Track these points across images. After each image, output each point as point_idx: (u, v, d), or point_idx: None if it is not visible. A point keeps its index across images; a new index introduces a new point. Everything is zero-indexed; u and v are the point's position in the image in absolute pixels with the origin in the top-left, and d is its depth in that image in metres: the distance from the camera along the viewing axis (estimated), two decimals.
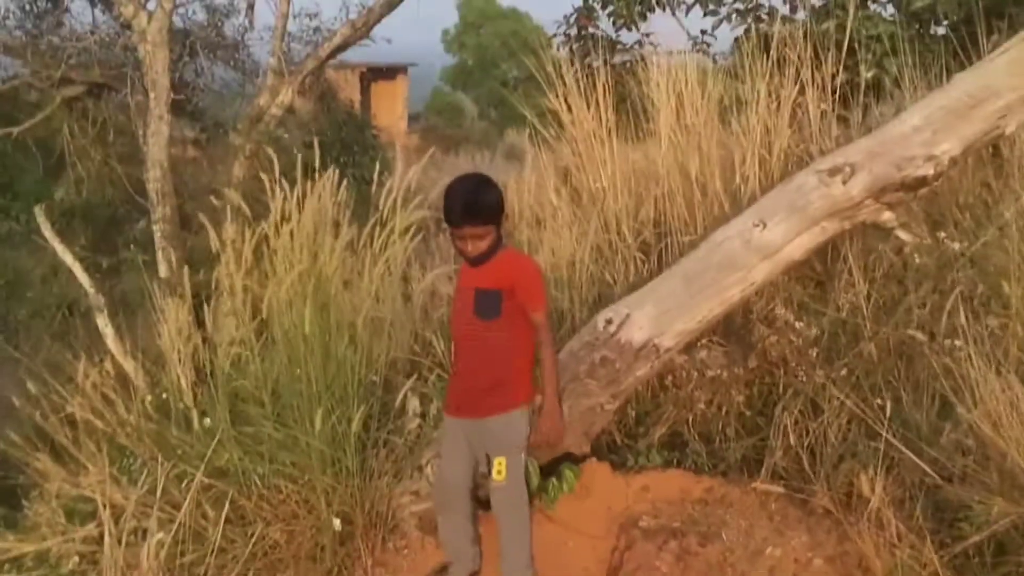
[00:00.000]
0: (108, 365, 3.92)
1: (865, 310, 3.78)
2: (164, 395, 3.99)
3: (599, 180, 4.95)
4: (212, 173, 7.72)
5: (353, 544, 3.40)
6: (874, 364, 3.60)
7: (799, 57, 4.70)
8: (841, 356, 3.70)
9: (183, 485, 3.37)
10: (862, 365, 3.60)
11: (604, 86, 4.94)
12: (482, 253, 2.95)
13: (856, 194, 3.40)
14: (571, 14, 7.67)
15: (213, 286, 4.01)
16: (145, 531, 3.21)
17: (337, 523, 3.36)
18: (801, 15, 6.58)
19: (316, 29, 8.03)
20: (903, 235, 3.67)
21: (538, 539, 3.16)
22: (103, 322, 5.71)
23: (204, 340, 4.09)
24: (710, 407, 3.77)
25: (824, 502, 3.23)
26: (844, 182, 3.39)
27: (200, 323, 4.24)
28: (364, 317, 3.69)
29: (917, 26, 6.22)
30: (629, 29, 7.44)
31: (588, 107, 5.01)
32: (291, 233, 3.72)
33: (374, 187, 3.98)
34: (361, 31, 6.68)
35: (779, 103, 4.67)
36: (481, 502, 3.22)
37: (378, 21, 6.67)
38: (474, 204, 2.92)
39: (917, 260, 3.82)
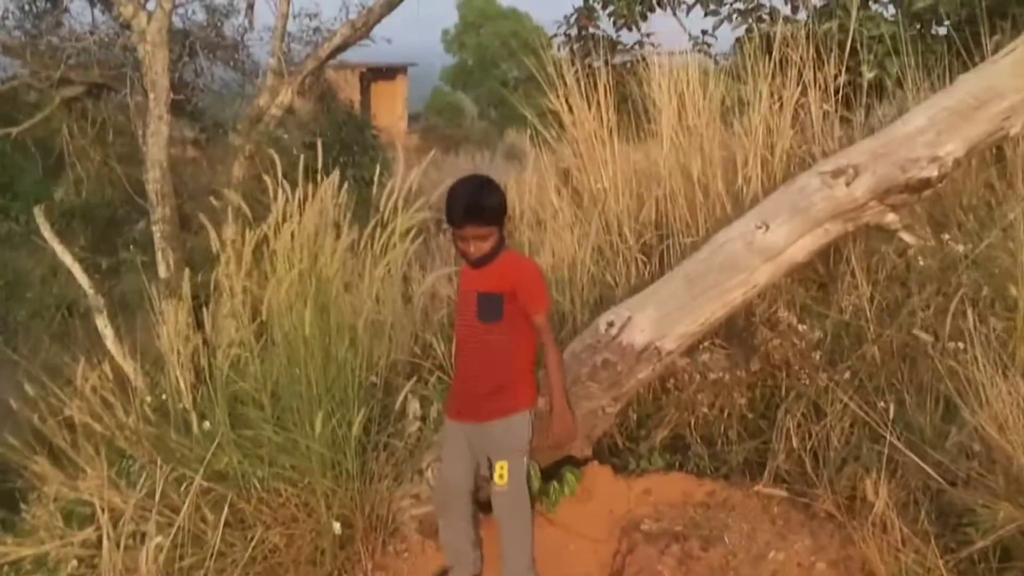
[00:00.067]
0: (107, 368, 3.88)
1: (868, 312, 3.76)
2: (163, 396, 3.98)
3: (600, 181, 4.93)
4: (212, 173, 7.70)
5: (353, 548, 3.38)
6: (877, 367, 3.58)
7: (801, 58, 4.68)
8: (844, 359, 3.68)
9: (182, 488, 3.35)
10: (865, 368, 3.58)
11: (605, 86, 4.92)
12: (484, 255, 2.93)
13: (859, 196, 3.38)
14: (571, 14, 7.65)
15: (212, 287, 4.00)
16: (144, 535, 3.19)
17: (337, 527, 3.35)
18: (802, 15, 6.56)
19: (316, 29, 8.02)
20: (906, 237, 3.65)
21: (539, 542, 3.14)
22: (102, 323, 5.70)
23: (204, 342, 4.07)
24: (712, 410, 3.75)
25: (827, 506, 3.21)
26: (847, 184, 3.37)
27: (200, 324, 4.22)
28: (365, 319, 3.67)
29: (918, 26, 6.20)
30: (630, 29, 7.42)
31: (589, 107, 4.99)
32: (291, 234, 3.70)
33: (375, 188, 3.96)
34: (361, 31, 6.67)
35: (781, 104, 4.66)
36: (482, 505, 3.20)
37: (378, 21, 6.65)
38: (477, 205, 2.90)
39: (921, 262, 3.80)
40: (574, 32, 7.64)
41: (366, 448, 3.52)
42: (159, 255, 6.20)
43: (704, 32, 7.22)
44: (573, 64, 5.28)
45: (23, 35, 7.72)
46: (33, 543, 3.47)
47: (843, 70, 4.86)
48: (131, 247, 7.88)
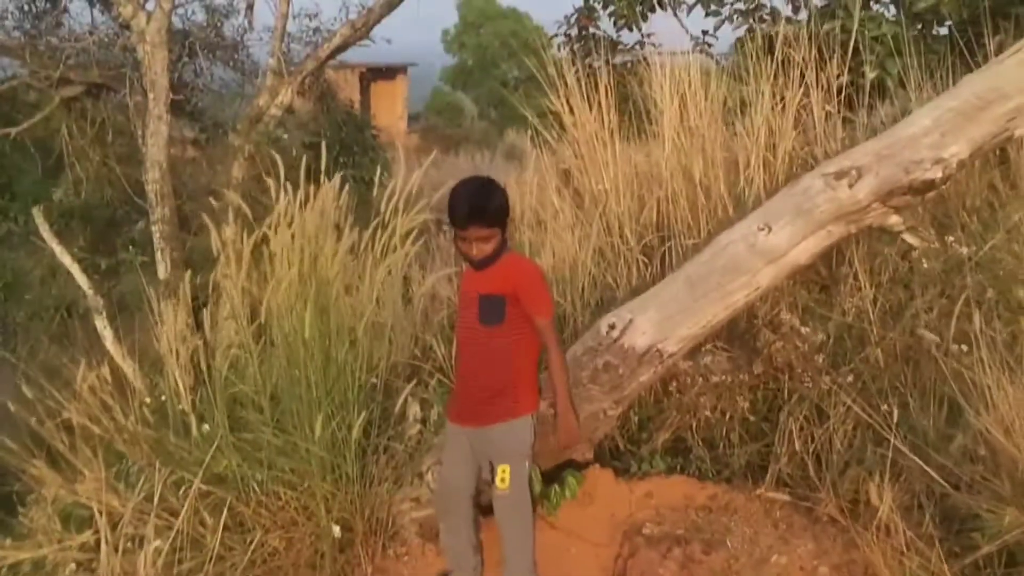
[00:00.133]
0: (106, 369, 3.86)
1: (871, 315, 3.75)
2: (163, 398, 3.96)
3: (601, 182, 4.92)
4: (211, 174, 7.68)
5: (353, 551, 3.37)
6: (881, 369, 3.57)
7: (803, 58, 4.67)
8: (847, 361, 3.67)
9: (181, 492, 3.34)
10: (868, 370, 3.57)
11: (606, 87, 4.90)
12: (487, 256, 2.91)
13: (863, 198, 3.35)
14: (572, 14, 7.63)
15: (212, 288, 3.98)
16: (142, 538, 3.18)
17: (337, 530, 3.33)
18: (803, 16, 6.54)
19: (316, 30, 7.99)
20: (910, 239, 3.63)
21: (541, 546, 3.12)
22: (102, 324, 5.68)
23: (204, 343, 4.05)
24: (714, 413, 3.74)
25: (830, 510, 3.19)
26: (850, 185, 3.35)
27: (199, 326, 4.20)
28: (365, 322, 3.65)
29: (920, 27, 6.18)
30: (630, 29, 7.40)
31: (590, 108, 4.98)
32: (292, 236, 3.68)
33: (375, 189, 3.94)
34: (361, 31, 6.66)
35: (783, 105, 4.64)
36: (483, 508, 3.18)
37: (378, 21, 6.65)
38: (480, 206, 2.88)
39: (924, 264, 3.78)
40: (574, 32, 7.62)
41: (366, 451, 3.50)
42: (158, 256, 6.19)
43: (705, 32, 7.21)
44: (573, 64, 5.26)
45: (22, 35, 7.69)
46: (31, 546, 3.45)
47: (845, 71, 4.84)
48: (130, 248, 7.84)
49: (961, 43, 4.87)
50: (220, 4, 8.15)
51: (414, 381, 3.81)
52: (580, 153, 5.08)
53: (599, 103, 4.94)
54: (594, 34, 7.54)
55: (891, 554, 2.86)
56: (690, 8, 7.23)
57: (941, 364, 3.20)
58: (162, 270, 6.12)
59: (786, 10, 6.61)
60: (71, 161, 8.14)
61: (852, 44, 5.04)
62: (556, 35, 7.65)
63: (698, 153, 4.70)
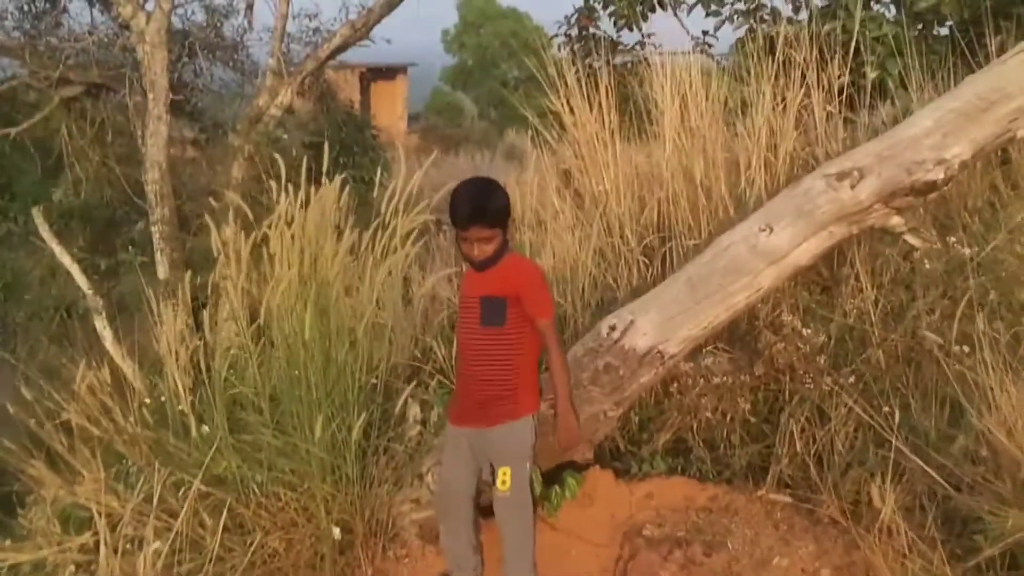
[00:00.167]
0: (105, 370, 3.86)
1: (873, 316, 3.74)
2: (162, 399, 3.95)
3: (602, 183, 4.91)
4: (211, 174, 7.68)
5: (353, 553, 3.36)
6: (882, 371, 3.56)
7: (804, 59, 4.66)
8: (848, 362, 3.66)
9: (180, 493, 3.33)
10: (870, 371, 3.56)
11: (606, 87, 4.89)
12: (488, 257, 2.90)
13: (864, 198, 3.35)
14: (572, 14, 7.61)
15: (211, 289, 3.97)
16: (142, 540, 3.17)
17: (337, 531, 3.32)
18: (804, 16, 6.53)
19: (316, 30, 7.99)
20: (912, 240, 3.62)
21: (541, 547, 3.11)
22: (101, 324, 5.68)
23: (203, 344, 4.04)
24: (715, 414, 3.73)
25: (831, 511, 3.18)
26: (852, 186, 3.34)
27: (198, 326, 4.19)
28: (365, 323, 3.64)
29: (920, 27, 6.17)
30: (631, 29, 7.39)
31: (590, 108, 4.97)
32: (292, 236, 3.67)
33: (375, 189, 3.93)
34: (361, 32, 6.66)
35: (784, 105, 4.63)
36: (483, 509, 3.17)
37: (378, 21, 6.65)
38: (482, 207, 2.87)
39: (926, 265, 3.77)
40: (575, 32, 7.60)
41: (366, 452, 3.50)
42: (158, 256, 6.19)
43: (705, 33, 7.20)
44: (574, 64, 5.26)
45: (22, 35, 7.69)
46: (30, 548, 3.44)
47: (846, 71, 4.83)
48: (130, 248, 7.83)
49: (962, 43, 4.87)
50: (220, 4, 8.17)
51: (414, 382, 3.80)
52: (580, 153, 5.07)
53: (599, 103, 4.93)
54: (594, 34, 7.53)
55: (893, 556, 2.85)
56: (690, 8, 7.21)
57: (943, 365, 3.19)
58: (162, 270, 6.12)
59: (787, 10, 6.59)
60: (71, 161, 8.14)
61: (853, 44, 5.03)
62: (556, 35, 7.63)
63: (699, 154, 4.69)
